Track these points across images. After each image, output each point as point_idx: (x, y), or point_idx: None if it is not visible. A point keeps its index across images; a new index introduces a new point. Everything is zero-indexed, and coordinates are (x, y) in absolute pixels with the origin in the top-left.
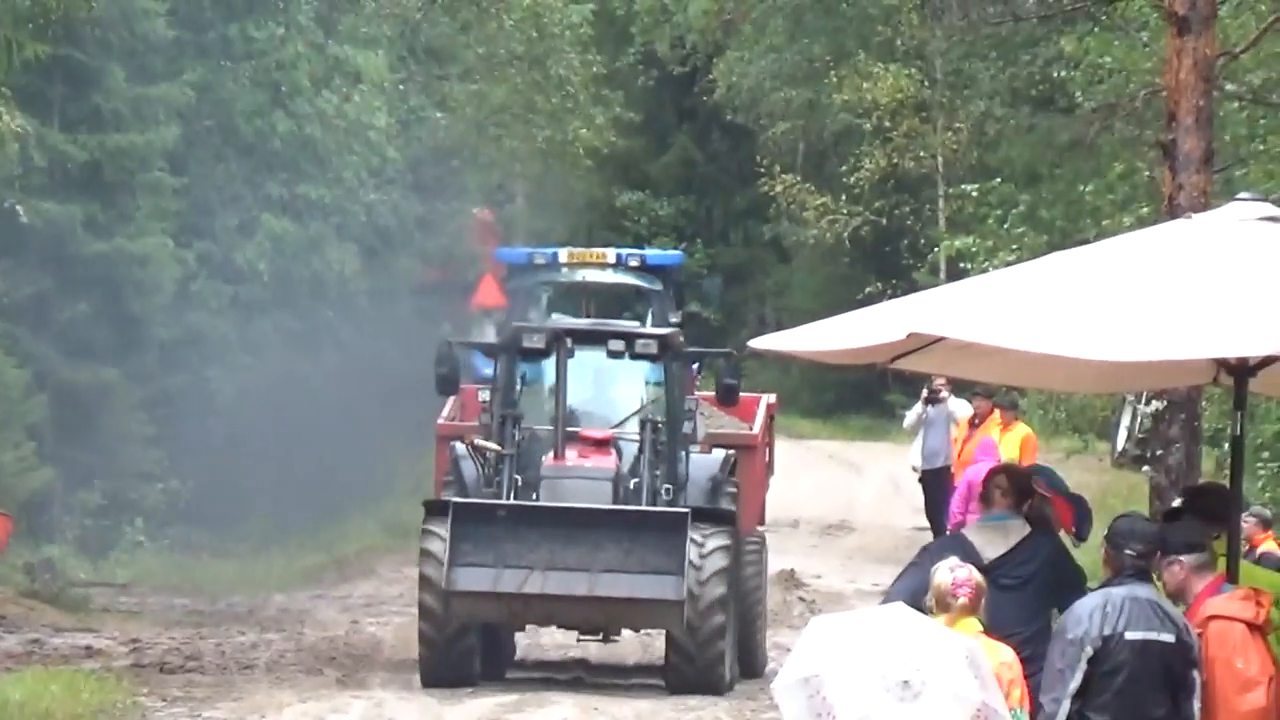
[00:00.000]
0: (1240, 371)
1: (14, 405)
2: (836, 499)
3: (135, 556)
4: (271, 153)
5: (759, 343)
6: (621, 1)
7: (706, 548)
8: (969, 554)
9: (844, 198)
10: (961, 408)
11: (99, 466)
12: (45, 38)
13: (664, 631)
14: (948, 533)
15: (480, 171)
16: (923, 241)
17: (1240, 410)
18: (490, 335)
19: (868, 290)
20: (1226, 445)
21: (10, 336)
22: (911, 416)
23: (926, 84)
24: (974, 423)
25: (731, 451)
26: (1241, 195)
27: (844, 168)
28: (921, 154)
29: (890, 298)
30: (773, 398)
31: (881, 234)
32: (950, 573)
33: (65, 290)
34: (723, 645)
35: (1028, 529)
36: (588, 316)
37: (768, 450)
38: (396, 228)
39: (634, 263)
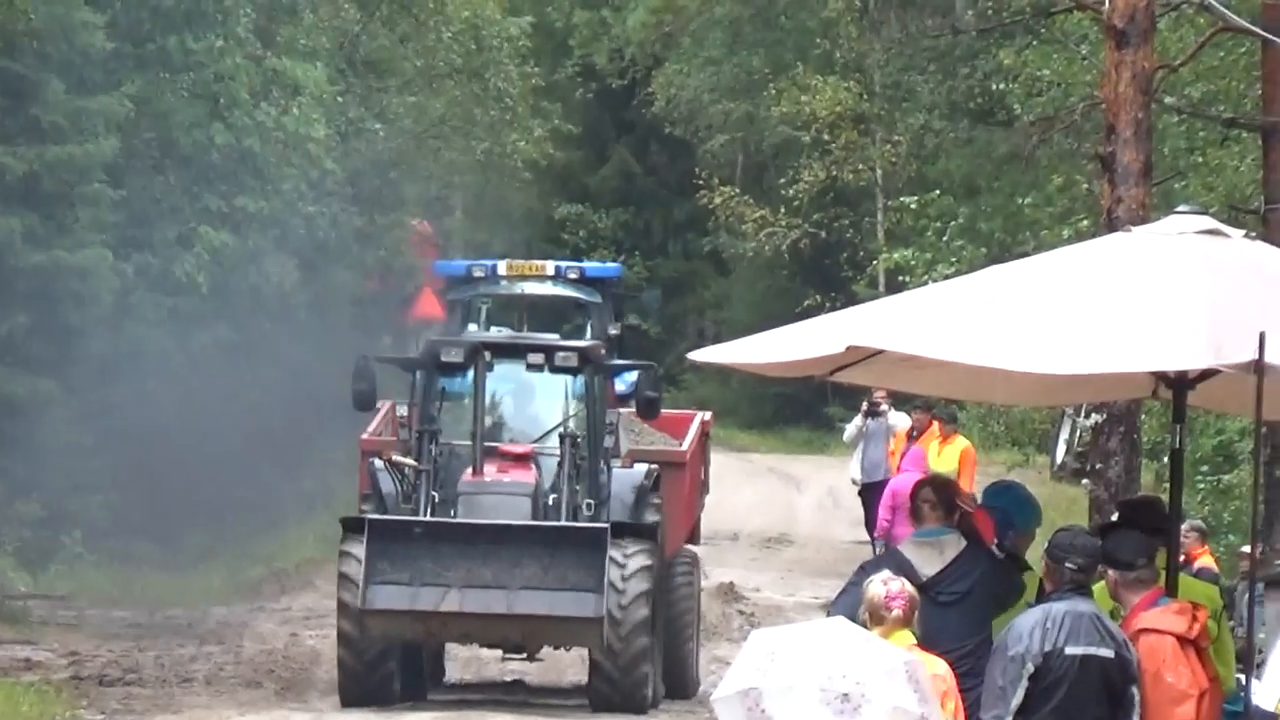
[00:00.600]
0: (1179, 385)
1: None
2: (776, 512)
3: (75, 569)
4: (210, 165)
5: (698, 355)
6: (560, 14)
7: (629, 569)
8: (905, 570)
9: (783, 210)
10: (901, 421)
11: (37, 478)
12: None
13: (587, 651)
14: (877, 544)
15: (419, 184)
16: (861, 254)
17: (1179, 423)
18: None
19: (807, 303)
20: (1166, 458)
21: None
22: (851, 430)
23: (865, 96)
24: (912, 436)
25: (655, 466)
26: (1180, 208)
27: (782, 180)
28: (860, 167)
29: (829, 310)
30: (708, 415)
31: (820, 247)
32: (883, 585)
33: (2, 302)
34: (646, 668)
35: (963, 543)
36: (524, 329)
37: (703, 469)
38: (335, 240)
39: (573, 275)
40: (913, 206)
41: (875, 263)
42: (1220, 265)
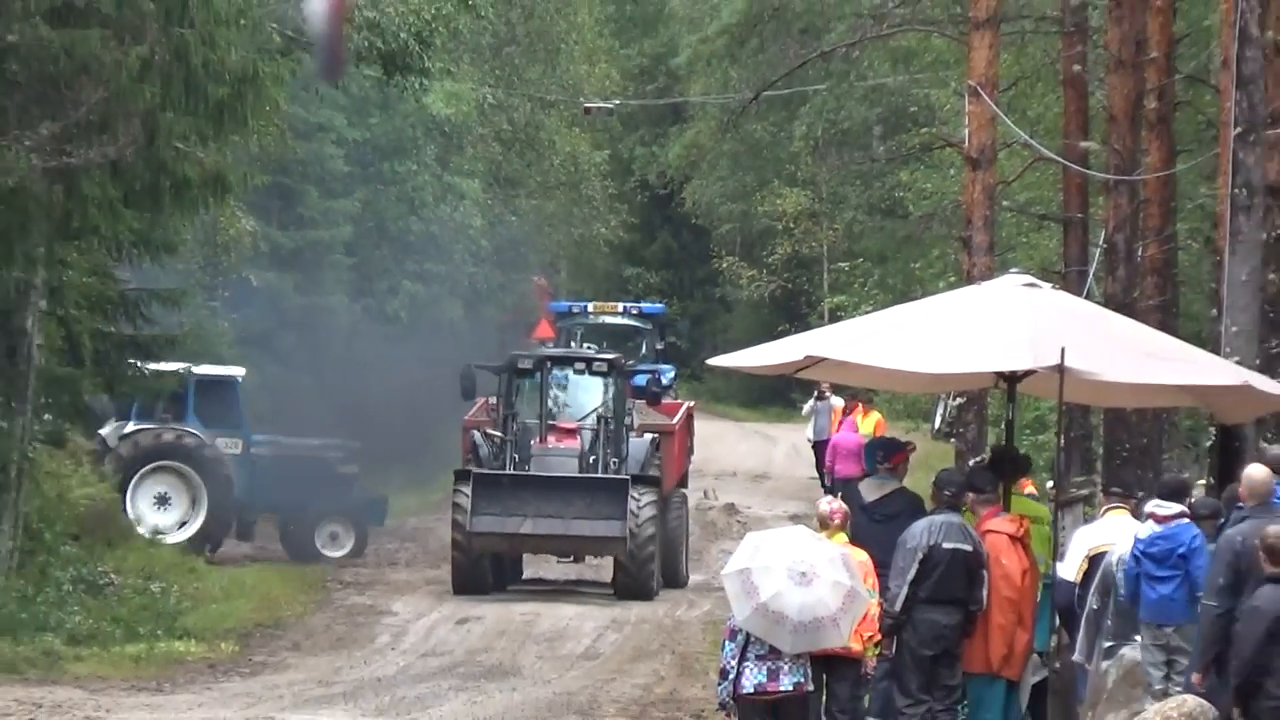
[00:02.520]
0: (1011, 379)
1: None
2: (760, 458)
3: None
4: (408, 243)
5: (713, 361)
6: (626, 149)
7: (641, 502)
8: (856, 497)
9: (764, 271)
10: (838, 402)
11: (300, 429)
12: (267, 171)
13: (614, 558)
14: (825, 476)
15: (539, 254)
16: (814, 298)
17: (1011, 403)
18: None
19: (780, 329)
20: (1003, 425)
21: (248, 358)
22: (807, 408)
23: (816, 200)
24: (846, 411)
25: (657, 436)
26: (1012, 270)
27: (765, 252)
28: (813, 244)
29: (794, 334)
30: (692, 403)
31: (788, 294)
32: (829, 505)
33: (280, 329)
34: (652, 567)
35: (897, 485)
36: (603, 346)
37: (689, 438)
38: (486, 290)
39: (634, 312)
40: (846, 269)
41: (823, 304)
42: (1036, 305)
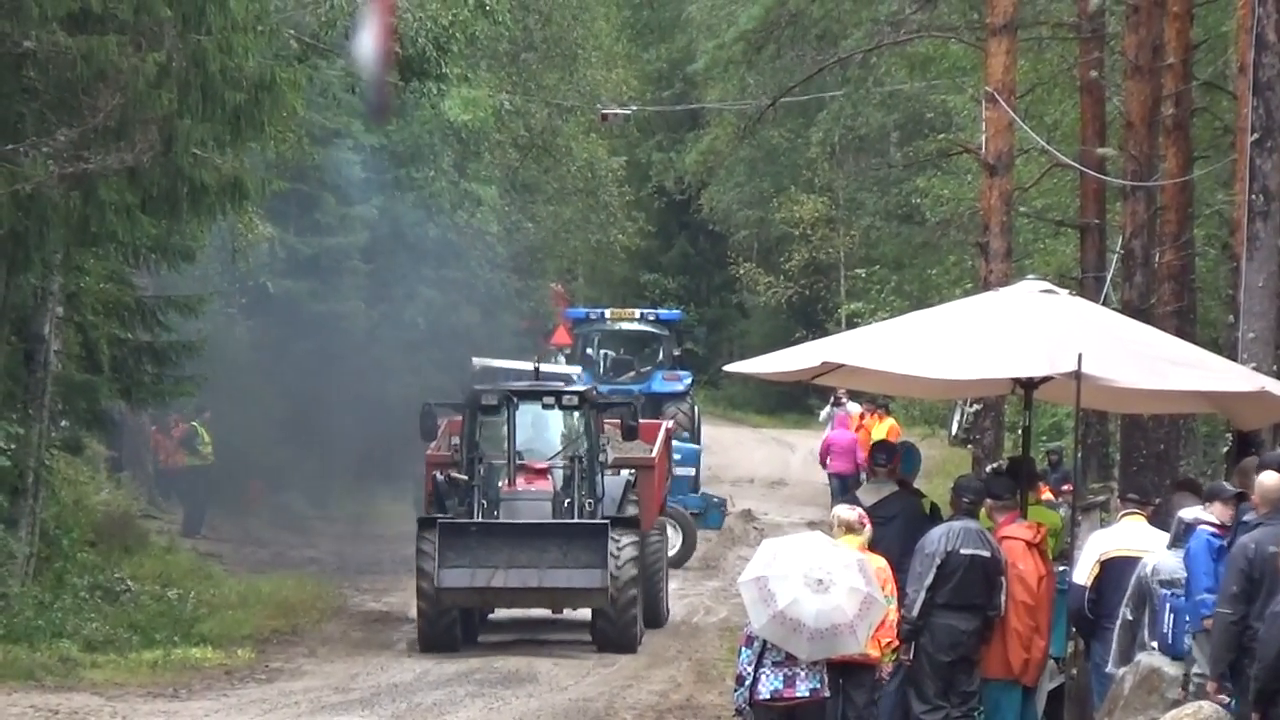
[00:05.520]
0: (1028, 385)
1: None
2: (777, 465)
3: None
4: (426, 249)
5: (730, 367)
6: (644, 154)
7: (621, 543)
8: (856, 501)
9: (781, 277)
10: (855, 408)
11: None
12: (285, 178)
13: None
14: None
15: (556, 261)
16: (831, 305)
17: (1028, 410)
18: (563, 363)
19: (796, 335)
20: (1019, 431)
21: (259, 366)
22: (824, 414)
23: (833, 207)
24: (862, 418)
25: (633, 472)
26: (1028, 276)
27: (782, 259)
28: (830, 250)
29: (810, 340)
30: (670, 423)
31: (805, 300)
32: (853, 510)
33: (296, 335)
34: (634, 613)
35: (895, 489)
36: (621, 353)
37: (668, 464)
38: (503, 296)
39: (651, 318)
40: (863, 275)
41: (839, 310)
42: (1053, 311)
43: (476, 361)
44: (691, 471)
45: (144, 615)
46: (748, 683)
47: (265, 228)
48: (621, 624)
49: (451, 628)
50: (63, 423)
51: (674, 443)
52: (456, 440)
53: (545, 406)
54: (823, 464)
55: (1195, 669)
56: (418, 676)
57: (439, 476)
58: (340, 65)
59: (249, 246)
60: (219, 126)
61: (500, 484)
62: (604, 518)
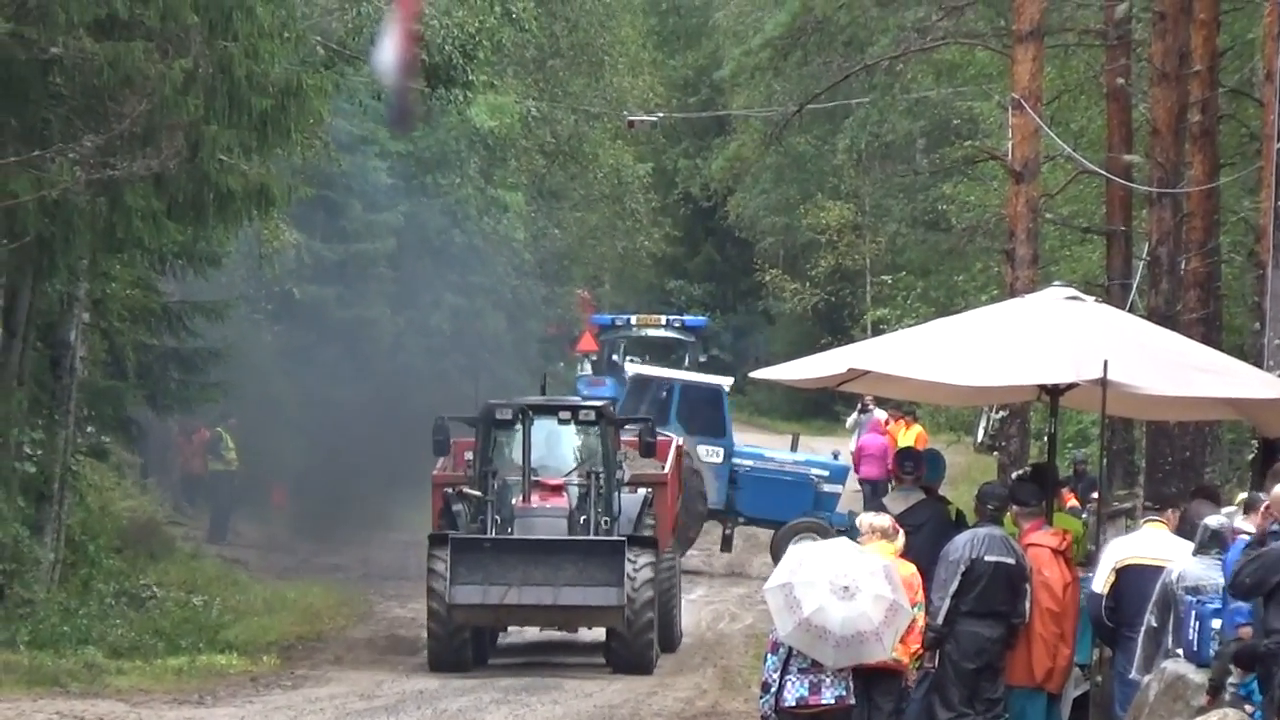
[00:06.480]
0: (1054, 393)
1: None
2: None
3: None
4: (452, 256)
5: (756, 374)
6: (670, 161)
7: (638, 564)
8: (883, 509)
9: (807, 284)
10: (881, 414)
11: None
12: (311, 183)
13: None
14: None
15: (582, 267)
16: (856, 311)
17: (1054, 417)
18: (589, 370)
19: (822, 342)
20: (1045, 438)
21: (291, 373)
22: (850, 420)
23: (859, 213)
24: (887, 424)
25: (649, 490)
26: (1055, 283)
27: (808, 265)
28: (856, 257)
29: (836, 346)
30: (680, 440)
31: (831, 307)
32: (885, 517)
33: (323, 341)
34: (650, 636)
35: (922, 496)
36: (647, 360)
37: (679, 480)
38: (529, 303)
39: (677, 324)
40: (889, 282)
41: (865, 317)
42: (1079, 318)
43: (630, 369)
44: (840, 489)
45: (169, 621)
46: (773, 690)
47: (291, 234)
48: (637, 645)
49: (463, 648)
50: (88, 429)
51: (823, 460)
52: (470, 455)
53: (561, 421)
54: (855, 469)
55: (1232, 679)
56: (443, 683)
57: (450, 492)
58: (366, 72)
59: (275, 252)
60: (245, 132)
61: (514, 500)
62: (621, 535)
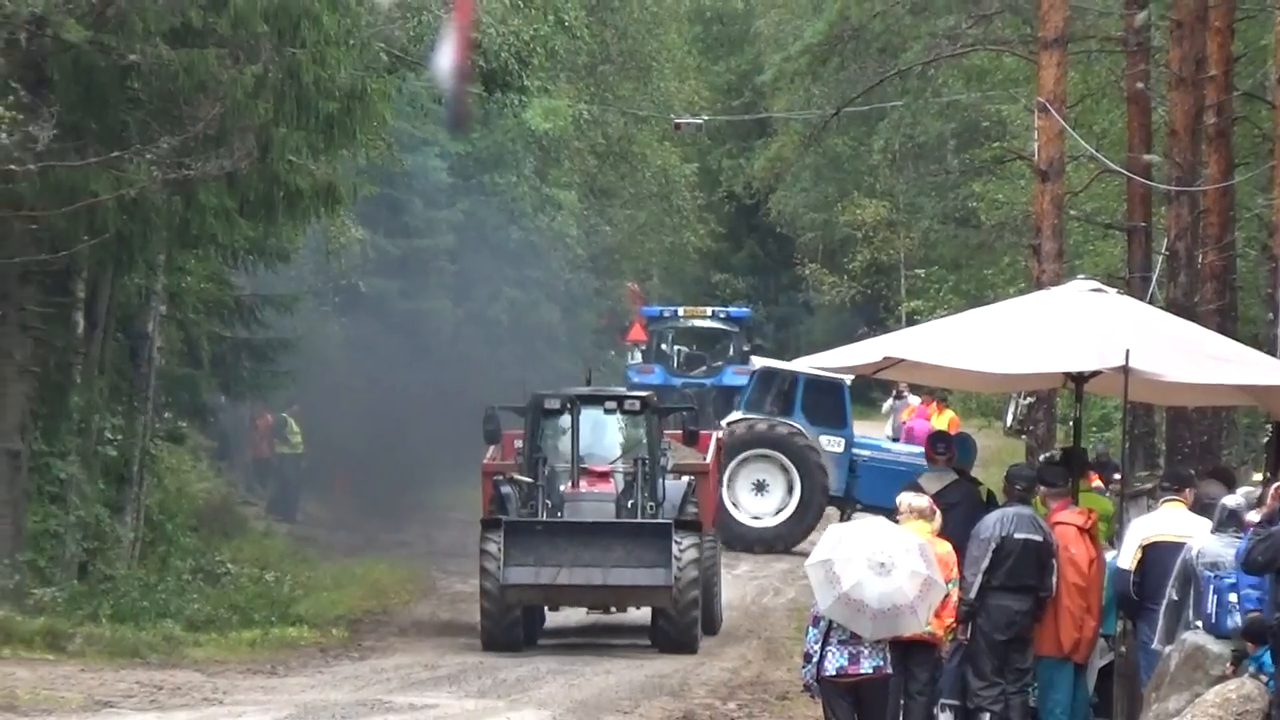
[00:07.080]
0: (1079, 379)
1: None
2: None
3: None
4: (509, 251)
5: (797, 362)
6: (715, 160)
7: (683, 545)
8: (920, 489)
9: (845, 277)
10: (915, 400)
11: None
12: (375, 182)
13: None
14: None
15: (632, 261)
16: (892, 303)
17: (1079, 402)
18: (639, 359)
19: (859, 332)
20: (1070, 423)
21: (356, 362)
22: (886, 406)
23: (894, 210)
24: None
25: (692, 477)
26: (1079, 276)
27: (846, 259)
28: (890, 252)
29: (873, 336)
30: (720, 433)
31: (867, 299)
32: (923, 497)
33: (387, 331)
34: (695, 614)
35: (954, 477)
36: (694, 348)
37: (720, 472)
38: (582, 295)
39: (722, 315)
40: (922, 275)
41: (900, 308)
42: (1102, 309)
43: (756, 361)
44: None
45: (243, 596)
46: (815, 660)
47: (357, 230)
48: (683, 624)
49: (515, 626)
50: (166, 414)
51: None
52: (519, 445)
53: (607, 411)
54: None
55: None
56: (501, 656)
57: (500, 478)
58: (426, 77)
59: (341, 248)
60: (313, 134)
61: (563, 486)
62: (668, 519)
